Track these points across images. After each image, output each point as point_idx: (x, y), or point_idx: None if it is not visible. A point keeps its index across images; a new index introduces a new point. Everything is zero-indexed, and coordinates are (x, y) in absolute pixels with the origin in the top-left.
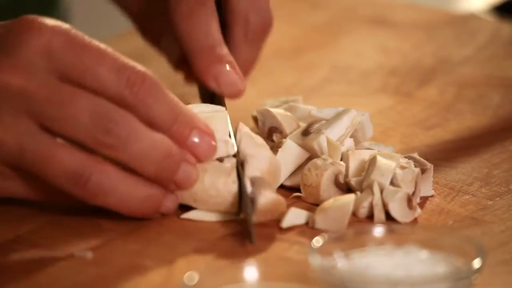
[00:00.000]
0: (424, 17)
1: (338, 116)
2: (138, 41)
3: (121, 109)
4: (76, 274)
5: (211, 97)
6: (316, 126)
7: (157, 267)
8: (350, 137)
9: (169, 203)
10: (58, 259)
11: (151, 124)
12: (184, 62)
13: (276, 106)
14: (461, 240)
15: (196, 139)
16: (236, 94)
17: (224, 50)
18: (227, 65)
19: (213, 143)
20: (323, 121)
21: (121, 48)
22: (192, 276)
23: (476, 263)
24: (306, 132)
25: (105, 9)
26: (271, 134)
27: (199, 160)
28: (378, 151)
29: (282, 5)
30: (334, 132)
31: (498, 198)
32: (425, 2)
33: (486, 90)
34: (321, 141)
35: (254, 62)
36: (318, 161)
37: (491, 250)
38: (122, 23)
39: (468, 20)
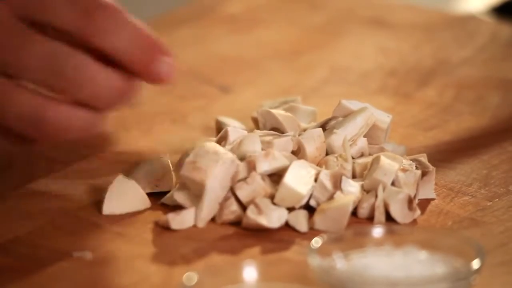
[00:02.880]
0: (423, 18)
1: (352, 115)
2: None
3: (76, 53)
4: (76, 274)
5: None
6: (332, 122)
7: (156, 267)
8: (365, 136)
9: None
10: (58, 259)
11: (113, 53)
12: None
13: (275, 107)
14: (460, 241)
15: (160, 63)
16: None
17: None
18: None
19: (173, 63)
20: (340, 119)
21: None
22: (191, 277)
23: (475, 264)
24: (322, 128)
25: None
26: None
27: (162, 82)
28: (388, 150)
29: (281, 6)
30: (347, 132)
31: (497, 199)
32: (424, 3)
33: (485, 91)
34: (331, 141)
35: None
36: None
37: (490, 251)
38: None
39: (467, 21)
